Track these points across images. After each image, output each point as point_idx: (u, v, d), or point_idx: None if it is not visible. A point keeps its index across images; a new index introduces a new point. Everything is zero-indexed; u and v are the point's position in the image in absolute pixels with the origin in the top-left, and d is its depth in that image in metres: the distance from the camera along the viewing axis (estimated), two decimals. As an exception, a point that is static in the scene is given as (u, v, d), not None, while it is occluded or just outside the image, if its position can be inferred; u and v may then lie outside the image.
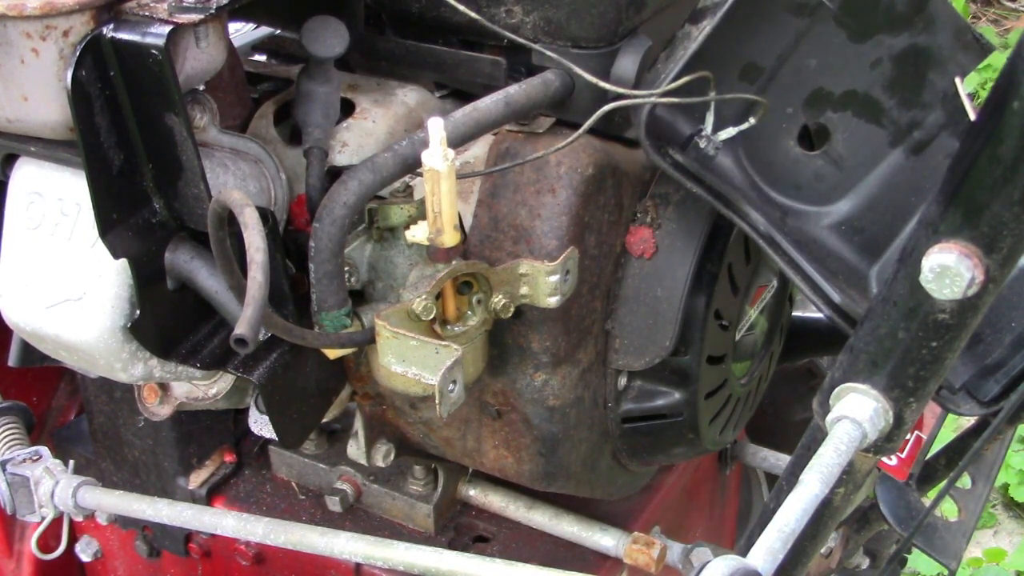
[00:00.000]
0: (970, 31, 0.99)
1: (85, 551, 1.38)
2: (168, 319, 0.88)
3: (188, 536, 1.27)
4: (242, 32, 1.09)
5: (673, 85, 0.85)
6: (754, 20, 0.92)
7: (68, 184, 0.88)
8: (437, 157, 0.78)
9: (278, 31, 1.08)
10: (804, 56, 0.95)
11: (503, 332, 0.93)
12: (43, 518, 1.14)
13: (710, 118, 0.91)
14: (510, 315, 0.89)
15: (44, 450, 1.17)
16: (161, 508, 1.08)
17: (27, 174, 0.90)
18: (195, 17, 0.75)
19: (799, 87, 0.96)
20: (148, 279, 0.85)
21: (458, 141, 0.85)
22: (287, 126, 0.97)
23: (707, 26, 0.87)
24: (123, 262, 0.84)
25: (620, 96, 0.87)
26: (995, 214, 0.66)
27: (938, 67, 0.99)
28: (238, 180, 0.87)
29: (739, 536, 1.58)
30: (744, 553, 0.67)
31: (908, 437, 1.24)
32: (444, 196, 0.80)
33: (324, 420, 1.06)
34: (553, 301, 0.88)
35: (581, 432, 1.01)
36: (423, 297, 0.84)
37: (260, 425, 1.07)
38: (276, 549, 1.02)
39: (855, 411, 0.77)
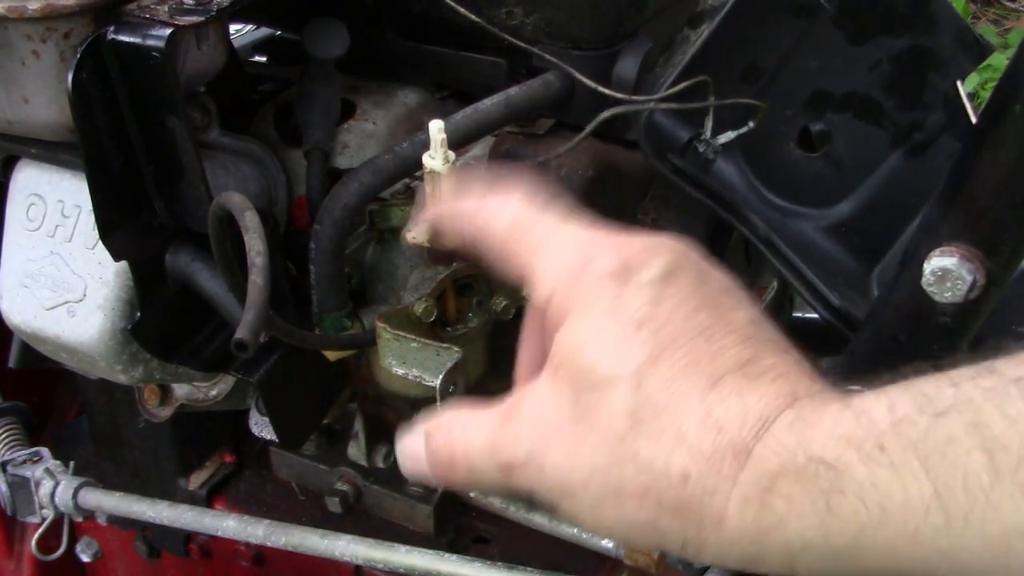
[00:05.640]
0: (971, 31, 0.99)
1: (85, 552, 1.38)
2: (169, 321, 0.88)
3: (188, 537, 1.26)
4: (242, 33, 1.09)
5: (672, 91, 0.85)
6: (754, 22, 0.92)
7: (69, 186, 0.88)
8: (437, 159, 0.78)
9: (279, 32, 1.08)
10: (804, 58, 0.95)
11: (504, 334, 0.93)
12: (44, 519, 1.14)
13: (709, 122, 0.91)
14: (510, 317, 0.89)
15: (44, 451, 1.17)
16: (161, 509, 1.07)
17: (28, 176, 0.90)
18: (196, 19, 0.75)
19: (799, 89, 0.96)
20: (149, 281, 0.85)
21: (459, 142, 0.85)
22: (288, 127, 0.97)
23: (705, 31, 0.87)
24: (124, 264, 0.84)
25: (619, 101, 0.87)
26: (997, 217, 0.66)
27: (939, 68, 0.99)
28: (238, 182, 0.87)
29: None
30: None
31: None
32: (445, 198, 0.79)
33: (324, 421, 1.06)
34: (553, 303, 0.88)
35: (581, 433, 1.00)
36: (424, 299, 0.84)
37: (260, 426, 1.07)
38: (276, 550, 1.02)
39: (856, 413, 0.77)
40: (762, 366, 0.53)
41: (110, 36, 0.75)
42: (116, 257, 0.83)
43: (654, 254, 0.57)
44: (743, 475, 0.49)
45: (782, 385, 0.52)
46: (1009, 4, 4.26)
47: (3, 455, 1.16)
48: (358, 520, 1.18)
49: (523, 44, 0.89)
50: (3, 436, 1.19)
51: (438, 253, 0.84)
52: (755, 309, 0.57)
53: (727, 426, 0.50)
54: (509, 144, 0.93)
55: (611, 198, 0.94)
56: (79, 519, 1.16)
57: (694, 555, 0.52)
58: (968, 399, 0.44)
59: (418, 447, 0.61)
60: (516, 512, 1.17)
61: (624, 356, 0.53)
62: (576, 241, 0.59)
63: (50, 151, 0.85)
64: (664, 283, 0.55)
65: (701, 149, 0.91)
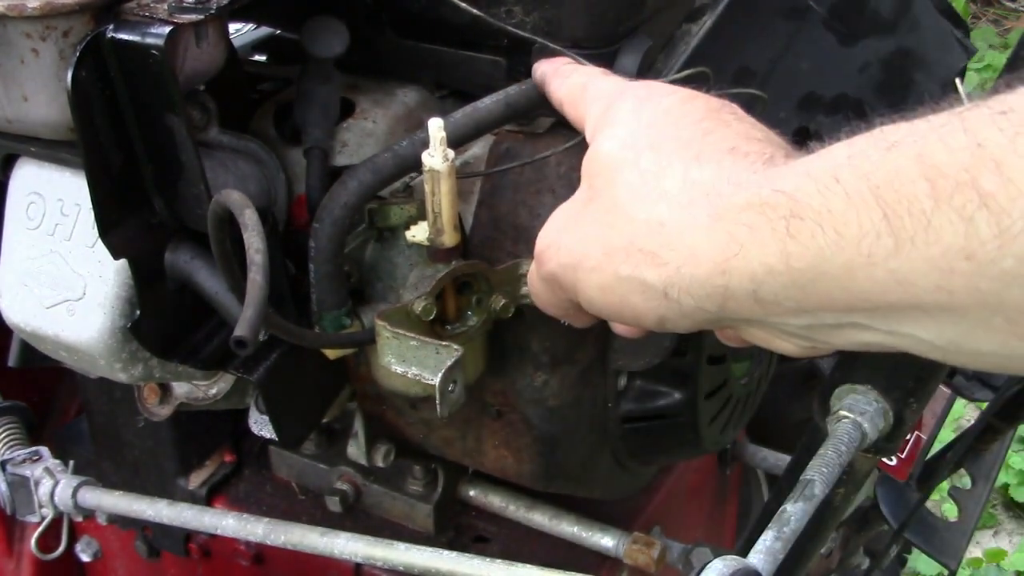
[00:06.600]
0: (952, 33, 1.00)
1: (85, 551, 1.38)
2: (168, 319, 0.88)
3: (188, 536, 1.27)
4: (242, 32, 1.09)
5: (674, 76, 0.85)
6: (746, 23, 0.93)
7: (68, 184, 0.88)
8: (437, 157, 0.78)
9: (278, 31, 1.08)
10: (795, 60, 0.96)
11: (503, 332, 0.93)
12: (43, 518, 1.14)
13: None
14: (510, 315, 0.89)
15: (44, 450, 1.17)
16: (161, 508, 1.08)
17: (27, 174, 0.90)
18: (195, 17, 0.75)
19: (791, 91, 0.97)
20: (148, 279, 0.85)
21: (458, 141, 0.85)
22: (288, 126, 0.97)
23: (708, 20, 0.87)
24: (123, 262, 0.84)
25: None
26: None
27: (923, 69, 0.99)
28: (238, 180, 0.87)
29: (739, 536, 1.59)
30: (744, 553, 0.67)
31: (908, 437, 1.24)
32: (444, 196, 0.80)
33: (324, 420, 1.06)
34: (553, 301, 0.88)
35: (581, 432, 1.01)
36: (423, 297, 0.84)
37: (260, 425, 1.07)
38: (276, 549, 1.02)
39: (855, 411, 0.77)
40: (746, 150, 0.59)
41: (109, 34, 0.75)
42: (115, 255, 0.83)
43: (679, 88, 0.66)
44: (712, 212, 0.55)
45: (760, 158, 0.58)
46: (1009, 4, 4.26)
47: (3, 454, 1.16)
48: (358, 519, 1.18)
49: (527, 35, 0.88)
50: (3, 435, 1.19)
51: (438, 251, 0.84)
52: (758, 124, 0.64)
53: (701, 182, 0.57)
54: (508, 143, 0.93)
55: (610, 197, 0.94)
56: (79, 518, 1.16)
57: (676, 305, 0.58)
58: (918, 133, 0.48)
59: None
60: (516, 511, 1.17)
61: (629, 145, 0.63)
62: (617, 83, 0.71)
63: (49, 149, 0.85)
64: (681, 102, 0.64)
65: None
